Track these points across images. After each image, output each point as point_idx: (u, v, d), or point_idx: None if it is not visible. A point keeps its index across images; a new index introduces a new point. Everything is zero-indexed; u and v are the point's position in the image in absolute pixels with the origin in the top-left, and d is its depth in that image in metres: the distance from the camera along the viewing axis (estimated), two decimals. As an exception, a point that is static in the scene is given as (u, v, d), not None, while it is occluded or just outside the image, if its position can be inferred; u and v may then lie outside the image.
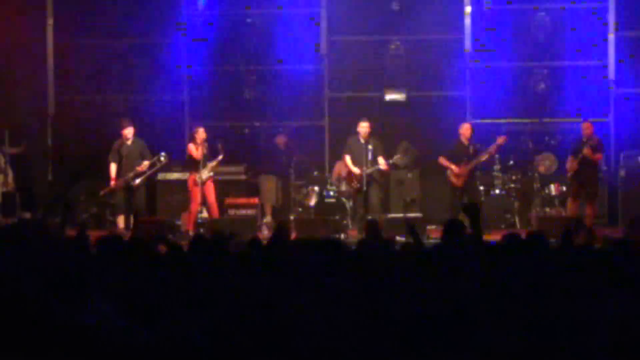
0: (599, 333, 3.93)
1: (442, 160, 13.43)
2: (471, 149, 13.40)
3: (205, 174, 13.34)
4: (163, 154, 13.76)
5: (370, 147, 13.21)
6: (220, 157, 13.43)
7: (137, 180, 13.53)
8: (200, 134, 13.48)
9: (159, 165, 13.82)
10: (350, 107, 15.38)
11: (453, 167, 13.28)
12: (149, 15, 15.58)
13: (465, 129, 13.50)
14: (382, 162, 13.20)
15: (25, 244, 6.21)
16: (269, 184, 14.80)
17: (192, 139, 13.50)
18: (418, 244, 6.59)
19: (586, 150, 13.00)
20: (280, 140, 15.22)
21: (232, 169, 14.68)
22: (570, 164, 13.24)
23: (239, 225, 12.58)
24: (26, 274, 4.73)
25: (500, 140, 13.38)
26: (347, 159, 13.50)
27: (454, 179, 13.31)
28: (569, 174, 13.33)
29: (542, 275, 4.82)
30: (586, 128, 13.29)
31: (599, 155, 13.18)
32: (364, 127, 13.29)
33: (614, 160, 14.94)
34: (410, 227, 7.10)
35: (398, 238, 10.77)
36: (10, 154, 14.61)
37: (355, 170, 13.27)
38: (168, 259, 5.68)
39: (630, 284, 4.72)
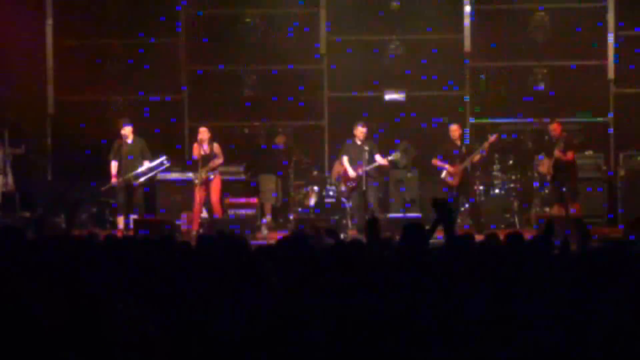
0: (593, 333, 3.94)
1: (435, 161, 13.47)
2: (464, 149, 13.44)
3: (202, 174, 13.34)
4: (164, 157, 13.80)
5: (366, 148, 13.28)
6: (219, 160, 13.43)
7: (137, 180, 13.54)
8: (200, 133, 13.50)
9: (160, 168, 13.85)
10: (350, 107, 15.38)
11: (447, 166, 13.31)
12: (148, 15, 15.58)
13: (454, 130, 13.55)
14: (379, 158, 13.27)
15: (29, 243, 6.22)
16: (269, 184, 14.81)
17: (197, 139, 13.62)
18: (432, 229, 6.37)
19: (557, 153, 13.03)
20: (280, 139, 15.22)
21: (232, 169, 14.68)
22: (548, 168, 13.25)
23: (238, 225, 12.58)
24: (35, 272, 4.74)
25: (492, 138, 13.38)
26: (345, 159, 13.55)
27: (449, 179, 13.34)
28: (548, 178, 13.41)
29: (534, 275, 4.82)
30: (553, 129, 13.31)
31: (570, 155, 13.13)
32: (362, 132, 13.36)
33: (614, 160, 14.94)
34: (441, 207, 6.64)
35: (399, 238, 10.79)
36: (12, 155, 14.60)
37: (352, 173, 13.33)
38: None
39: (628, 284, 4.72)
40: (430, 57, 15.48)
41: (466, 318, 3.98)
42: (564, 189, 13.13)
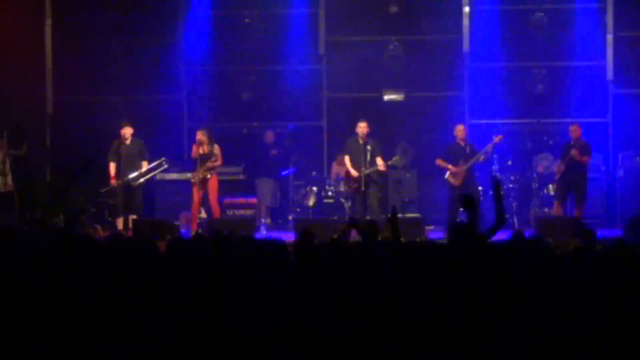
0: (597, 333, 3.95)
1: (440, 162, 13.49)
2: (467, 149, 13.46)
3: (199, 174, 13.36)
4: (163, 159, 13.80)
5: (368, 147, 13.24)
6: (218, 162, 13.45)
7: (137, 182, 13.55)
8: (200, 134, 13.51)
9: (159, 169, 13.86)
10: (349, 107, 15.38)
11: (450, 166, 13.33)
12: (148, 16, 15.58)
13: (459, 130, 13.57)
14: (380, 163, 13.23)
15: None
16: (266, 185, 14.77)
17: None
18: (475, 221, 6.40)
19: (574, 152, 13.10)
20: (269, 137, 15.13)
21: (231, 169, 14.69)
22: (558, 166, 13.36)
23: (237, 225, 12.59)
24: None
25: (497, 139, 13.42)
26: (347, 159, 13.53)
27: (452, 179, 13.36)
28: (556, 177, 13.46)
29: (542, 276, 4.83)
30: (573, 130, 13.42)
31: (586, 157, 13.23)
32: (362, 127, 13.33)
33: (612, 161, 14.96)
34: (469, 202, 6.77)
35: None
36: (12, 155, 14.60)
37: (353, 172, 13.29)
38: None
39: (626, 285, 4.73)
40: (429, 57, 15.49)
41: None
42: (574, 190, 13.22)
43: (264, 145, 15.16)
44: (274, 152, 14.85)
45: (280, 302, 4.24)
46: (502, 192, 6.59)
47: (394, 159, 13.63)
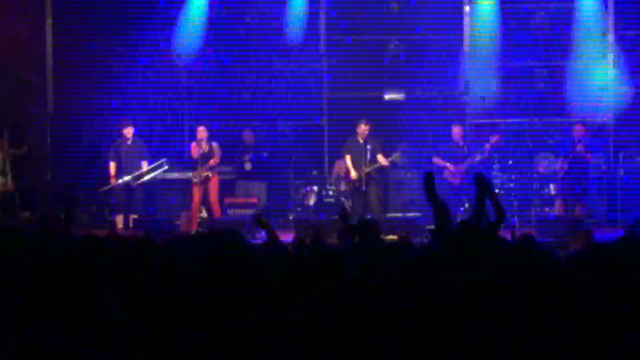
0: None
1: (437, 160, 13.53)
2: (465, 149, 13.51)
3: (201, 173, 13.37)
4: (164, 160, 13.84)
5: (369, 147, 13.29)
6: (217, 159, 13.47)
7: (137, 182, 13.58)
8: (200, 133, 13.54)
9: (159, 170, 13.89)
10: (350, 107, 15.38)
11: (449, 165, 13.38)
12: (148, 15, 15.58)
13: (456, 131, 13.63)
14: (382, 159, 13.29)
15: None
16: (252, 188, 14.66)
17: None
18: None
19: (578, 149, 13.15)
20: (248, 136, 14.98)
21: (232, 168, 14.67)
22: (562, 166, 13.40)
23: (237, 225, 12.59)
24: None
25: (494, 139, 13.47)
26: (347, 159, 13.57)
27: (451, 178, 13.40)
28: (559, 175, 13.51)
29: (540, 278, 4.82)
30: (578, 129, 13.45)
31: (589, 156, 13.28)
32: (364, 129, 13.38)
33: (613, 160, 14.96)
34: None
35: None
36: (12, 155, 14.63)
37: (353, 174, 13.33)
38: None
39: (627, 286, 4.72)
40: (430, 57, 15.48)
41: None
42: (576, 189, 13.26)
43: (245, 147, 14.99)
44: (245, 159, 14.60)
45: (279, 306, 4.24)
46: (487, 186, 6.36)
47: (394, 155, 13.65)
